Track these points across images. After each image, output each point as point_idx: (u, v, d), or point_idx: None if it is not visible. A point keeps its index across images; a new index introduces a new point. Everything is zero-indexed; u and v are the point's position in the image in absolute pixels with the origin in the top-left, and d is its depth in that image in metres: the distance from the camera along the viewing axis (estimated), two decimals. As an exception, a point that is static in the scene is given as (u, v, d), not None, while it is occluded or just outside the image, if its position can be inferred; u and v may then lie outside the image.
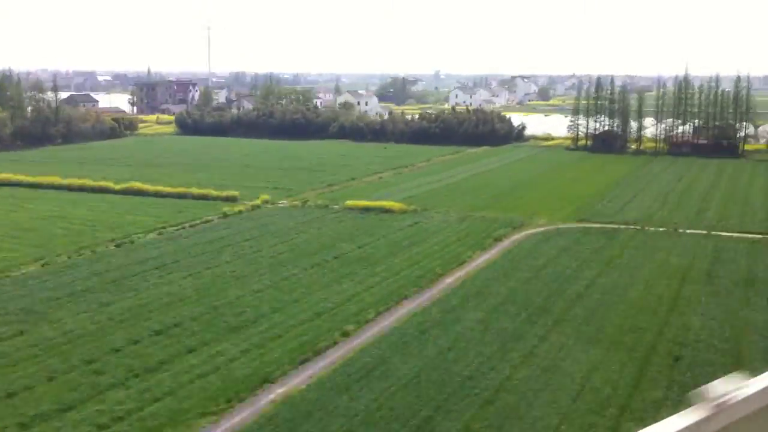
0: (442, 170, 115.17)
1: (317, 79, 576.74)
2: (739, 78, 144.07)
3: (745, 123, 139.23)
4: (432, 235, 67.47)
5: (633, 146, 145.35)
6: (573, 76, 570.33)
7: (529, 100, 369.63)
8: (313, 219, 74.34)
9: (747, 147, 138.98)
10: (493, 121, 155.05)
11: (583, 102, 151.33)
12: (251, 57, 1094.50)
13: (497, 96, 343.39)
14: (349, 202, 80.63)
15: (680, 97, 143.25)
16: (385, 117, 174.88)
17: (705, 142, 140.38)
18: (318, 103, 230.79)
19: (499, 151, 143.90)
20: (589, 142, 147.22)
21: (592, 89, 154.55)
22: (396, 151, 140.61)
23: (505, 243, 65.52)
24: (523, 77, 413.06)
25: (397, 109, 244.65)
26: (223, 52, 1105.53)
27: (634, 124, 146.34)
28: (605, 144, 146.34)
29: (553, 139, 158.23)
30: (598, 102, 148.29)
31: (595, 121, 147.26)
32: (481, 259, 59.11)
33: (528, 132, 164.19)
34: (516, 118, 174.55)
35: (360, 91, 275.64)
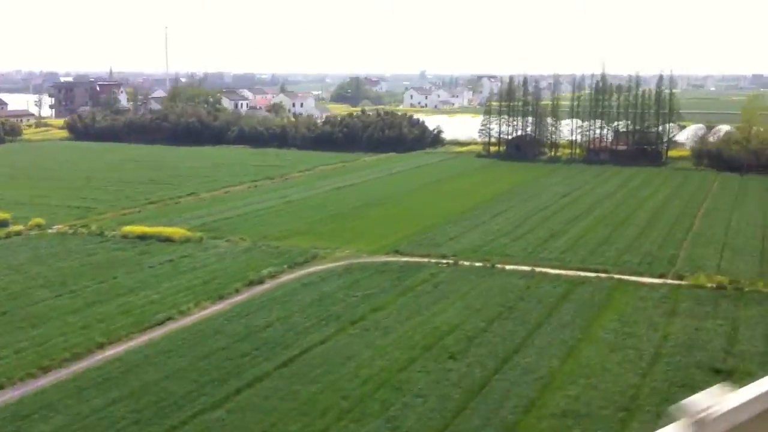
0: (307, 182, 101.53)
1: (300, 80, 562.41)
2: (661, 77, 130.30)
3: (668, 126, 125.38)
4: (180, 275, 53.69)
5: (551, 153, 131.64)
6: (553, 75, 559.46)
7: (492, 101, 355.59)
8: (60, 251, 60.43)
9: (672, 153, 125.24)
10: (400, 126, 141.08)
11: (495, 104, 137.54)
12: (234, 57, 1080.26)
13: (457, 97, 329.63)
14: (127, 228, 66.83)
15: (597, 98, 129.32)
16: (321, 120, 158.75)
17: (625, 148, 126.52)
18: (260, 106, 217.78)
19: (402, 158, 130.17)
20: (502, 148, 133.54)
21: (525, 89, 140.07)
22: (286, 159, 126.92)
23: (266, 286, 51.80)
24: (490, 77, 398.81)
25: (352, 110, 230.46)
26: (203, 52, 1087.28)
27: (553, 128, 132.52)
28: (520, 150, 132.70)
29: (469, 144, 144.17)
30: (511, 104, 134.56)
31: (508, 125, 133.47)
32: (193, 317, 45.23)
33: (452, 136, 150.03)
34: (443, 121, 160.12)
35: (299, 92, 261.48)
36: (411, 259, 59.34)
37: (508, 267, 56.64)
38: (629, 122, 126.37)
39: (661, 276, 54.62)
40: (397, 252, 61.52)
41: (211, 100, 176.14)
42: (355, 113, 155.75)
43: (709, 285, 51.70)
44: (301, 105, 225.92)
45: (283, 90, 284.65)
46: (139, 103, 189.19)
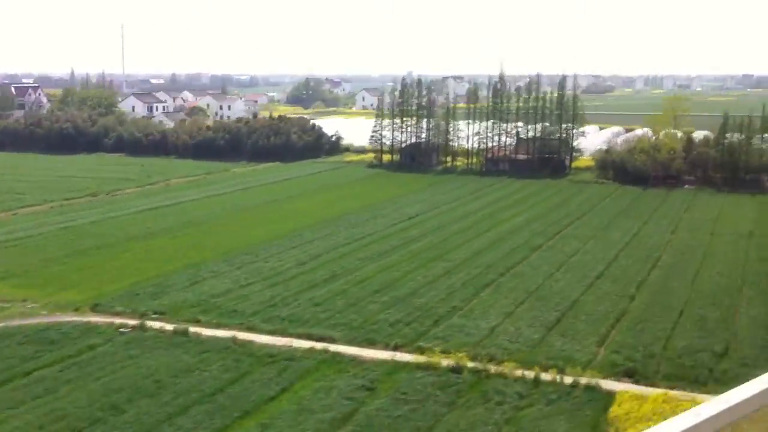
0: (129, 200, 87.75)
1: (286, 81, 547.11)
2: (564, 77, 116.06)
3: (572, 133, 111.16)
4: None
5: (447, 162, 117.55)
6: (526, 76, 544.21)
7: (455, 104, 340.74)
8: None
9: (577, 164, 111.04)
10: (288, 133, 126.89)
11: (393, 107, 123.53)
12: (224, 58, 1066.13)
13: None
14: None
15: (495, 102, 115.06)
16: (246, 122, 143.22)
17: (525, 157, 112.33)
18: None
19: (281, 168, 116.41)
20: (396, 157, 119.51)
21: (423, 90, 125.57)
22: (151, 169, 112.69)
23: None
24: (455, 77, 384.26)
25: (304, 112, 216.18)
26: (185, 53, 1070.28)
27: (452, 135, 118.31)
28: (414, 160, 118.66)
29: (369, 152, 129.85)
30: (404, 107, 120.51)
31: (401, 131, 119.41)
32: None
33: (361, 143, 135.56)
34: (344, 126, 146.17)
35: (228, 96, 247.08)
36: (98, 318, 45.32)
37: (206, 332, 42.60)
38: (529, 128, 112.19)
39: (396, 347, 40.58)
40: (96, 306, 47.47)
41: (104, 101, 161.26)
42: (245, 118, 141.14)
43: (445, 364, 37.69)
44: (229, 108, 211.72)
45: (224, 91, 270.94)
46: (35, 107, 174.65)
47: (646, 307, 47.34)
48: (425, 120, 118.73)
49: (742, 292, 50.70)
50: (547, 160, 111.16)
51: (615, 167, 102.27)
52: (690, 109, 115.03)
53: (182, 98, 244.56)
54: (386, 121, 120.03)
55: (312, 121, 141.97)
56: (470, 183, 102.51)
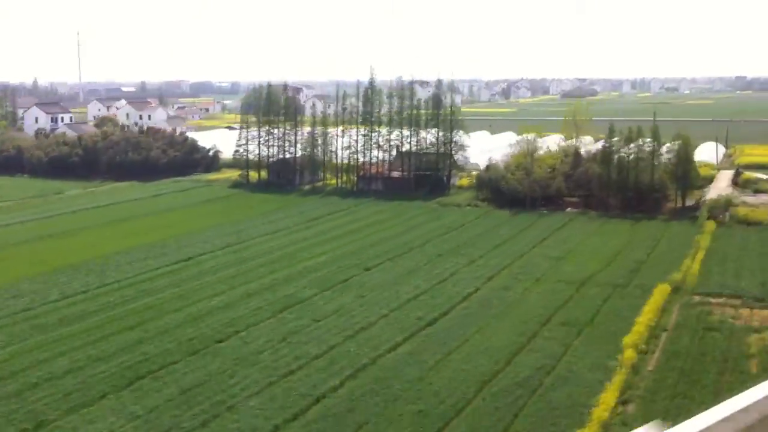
0: None
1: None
2: (439, 81, 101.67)
3: (453, 146, 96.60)
4: None
5: (322, 181, 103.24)
6: (505, 80, 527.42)
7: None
8: None
9: (462, 182, 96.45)
10: (149, 147, 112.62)
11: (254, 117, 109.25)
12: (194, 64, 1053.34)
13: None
14: None
15: (366, 112, 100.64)
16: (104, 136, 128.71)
17: (399, 174, 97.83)
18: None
19: (129, 188, 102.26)
20: (263, 174, 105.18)
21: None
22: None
23: None
24: (421, 82, 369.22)
25: (233, 122, 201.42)
26: (167, 59, 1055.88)
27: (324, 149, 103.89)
28: (281, 177, 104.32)
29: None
30: (270, 117, 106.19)
31: (268, 145, 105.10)
32: None
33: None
34: (221, 139, 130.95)
35: (150, 100, 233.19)
36: None
37: None
38: (404, 141, 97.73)
39: None
40: None
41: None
42: (106, 130, 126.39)
43: None
44: (149, 117, 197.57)
45: (161, 101, 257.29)
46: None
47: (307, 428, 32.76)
48: (296, 132, 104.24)
49: (473, 404, 36.14)
50: (425, 177, 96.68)
51: (491, 187, 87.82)
52: (592, 114, 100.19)
53: (116, 107, 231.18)
54: (254, 133, 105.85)
55: (188, 134, 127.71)
56: (324, 207, 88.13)
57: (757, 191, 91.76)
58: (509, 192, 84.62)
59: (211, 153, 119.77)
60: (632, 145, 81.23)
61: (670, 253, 62.31)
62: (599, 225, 75.77)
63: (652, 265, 58.81)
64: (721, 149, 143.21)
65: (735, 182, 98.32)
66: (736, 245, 63.96)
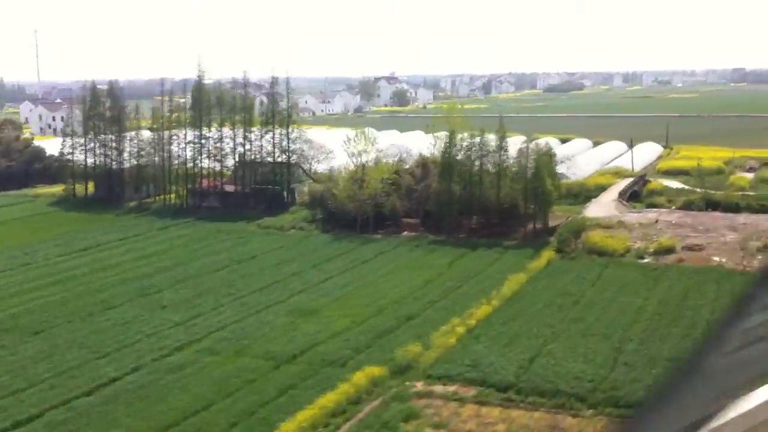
0: None
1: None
2: (274, 79, 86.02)
3: (289, 155, 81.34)
4: None
5: (154, 196, 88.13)
6: (484, 76, 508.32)
7: (386, 105, 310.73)
8: None
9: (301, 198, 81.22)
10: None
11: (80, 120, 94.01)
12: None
13: (328, 102, 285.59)
14: None
15: (194, 114, 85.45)
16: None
17: (233, 189, 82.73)
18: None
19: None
20: (90, 190, 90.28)
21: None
22: None
23: None
24: (389, 78, 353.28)
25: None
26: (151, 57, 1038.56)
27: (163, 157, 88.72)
28: (112, 192, 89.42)
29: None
30: (95, 121, 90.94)
31: (95, 154, 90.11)
32: None
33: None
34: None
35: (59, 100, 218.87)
36: None
37: None
38: (237, 148, 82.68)
39: None
40: None
41: None
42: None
43: None
44: (62, 119, 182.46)
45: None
46: None
47: None
48: (120, 138, 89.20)
49: None
50: (263, 192, 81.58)
51: (322, 206, 72.69)
52: (467, 118, 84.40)
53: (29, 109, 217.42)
54: (79, 140, 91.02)
55: (35, 141, 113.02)
56: (121, 230, 73.14)
57: (650, 206, 76.45)
58: (337, 211, 69.53)
59: (57, 164, 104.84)
60: (472, 152, 65.68)
61: (461, 301, 47.07)
62: (422, 255, 60.53)
63: (422, 321, 43.71)
64: (657, 150, 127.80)
65: (635, 193, 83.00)
66: (555, 290, 48.50)
